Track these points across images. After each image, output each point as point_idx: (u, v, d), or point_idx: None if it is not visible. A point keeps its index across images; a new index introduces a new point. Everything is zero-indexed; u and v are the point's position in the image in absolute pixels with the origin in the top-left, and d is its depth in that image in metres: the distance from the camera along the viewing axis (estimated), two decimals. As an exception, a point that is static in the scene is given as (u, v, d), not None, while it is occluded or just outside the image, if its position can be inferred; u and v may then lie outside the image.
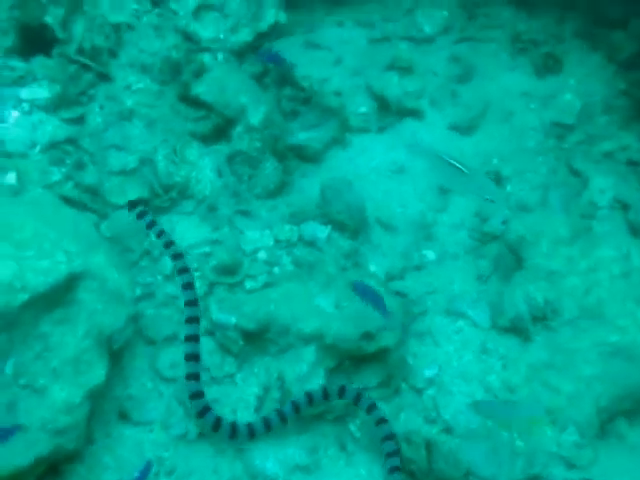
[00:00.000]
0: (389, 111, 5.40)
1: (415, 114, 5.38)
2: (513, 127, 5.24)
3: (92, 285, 2.89)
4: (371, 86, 5.80)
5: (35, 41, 4.43)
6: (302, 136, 4.71)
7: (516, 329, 3.72)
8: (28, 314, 2.70)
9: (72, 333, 2.74)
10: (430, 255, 4.11)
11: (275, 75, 4.85)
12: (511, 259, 3.85)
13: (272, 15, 4.83)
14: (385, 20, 6.96)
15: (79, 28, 4.36)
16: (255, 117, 4.25)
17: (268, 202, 4.18)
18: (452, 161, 3.24)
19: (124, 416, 3.23)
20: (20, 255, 2.74)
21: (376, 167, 4.75)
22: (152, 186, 3.88)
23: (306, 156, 4.74)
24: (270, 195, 4.23)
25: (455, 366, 3.57)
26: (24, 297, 2.68)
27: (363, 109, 5.55)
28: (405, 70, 5.89)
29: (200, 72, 4.29)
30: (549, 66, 5.76)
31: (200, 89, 4.25)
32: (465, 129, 5.29)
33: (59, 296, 2.80)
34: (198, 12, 4.96)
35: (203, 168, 4.10)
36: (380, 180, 4.60)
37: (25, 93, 4.07)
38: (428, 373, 3.55)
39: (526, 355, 3.54)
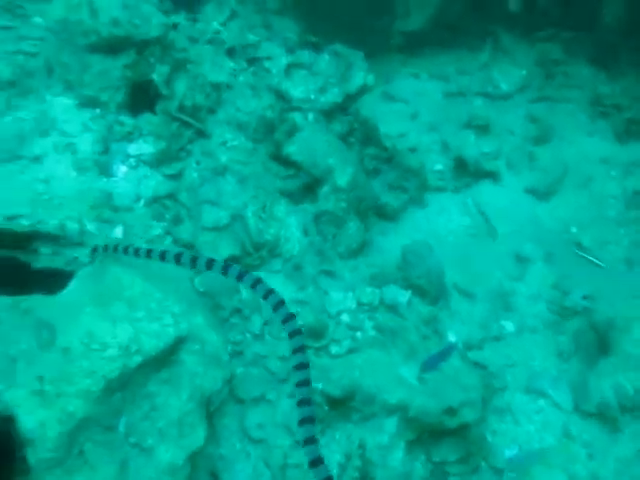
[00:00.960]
0: (466, 171, 5.46)
1: (491, 176, 5.42)
2: (592, 194, 5.23)
3: (193, 347, 3.05)
4: (447, 144, 5.88)
5: (141, 97, 4.69)
6: (383, 196, 4.82)
7: (602, 416, 3.68)
8: (139, 375, 2.86)
9: (176, 395, 2.90)
10: (509, 326, 4.13)
11: (360, 134, 4.99)
12: (594, 339, 3.83)
13: (361, 77, 4.98)
14: (460, 73, 7.03)
15: (181, 86, 4.59)
16: (342, 179, 4.39)
17: (350, 261, 4.29)
18: (590, 257, 3.27)
19: (215, 477, 3.36)
20: (133, 316, 2.92)
21: (453, 230, 4.81)
22: (243, 244, 4.03)
23: (385, 214, 4.85)
24: (352, 254, 4.34)
25: (536, 448, 3.56)
26: (138, 360, 2.85)
27: (439, 166, 5.63)
28: (482, 129, 5.94)
29: (292, 132, 4.46)
30: (632, 132, 5.72)
31: (291, 149, 4.41)
32: (542, 194, 5.31)
33: (165, 357, 2.97)
34: (289, 70, 5.15)
35: (290, 226, 4.24)
36: (458, 243, 4.66)
37: (133, 148, 4.30)
38: (508, 453, 3.57)
39: (615, 447, 3.49)
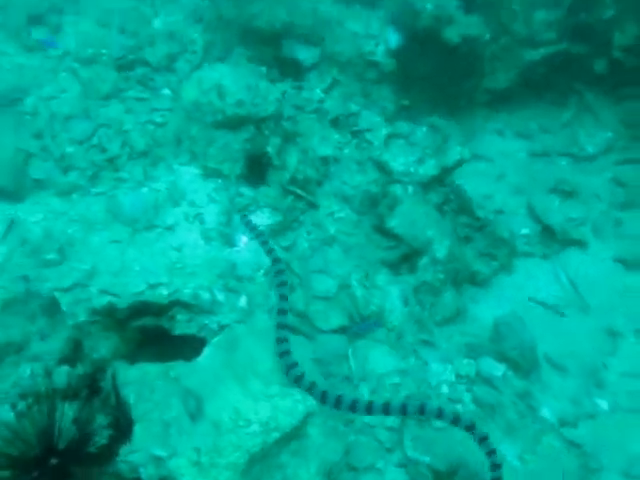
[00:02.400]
0: (553, 238, 5.60)
1: (578, 243, 5.54)
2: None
3: (317, 420, 3.38)
4: (533, 207, 6.02)
5: (256, 167, 5.11)
6: (474, 262, 5.06)
7: None
8: (274, 447, 3.23)
9: (305, 467, 3.24)
10: (603, 404, 4.22)
11: (454, 204, 5.26)
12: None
13: (457, 152, 5.25)
14: (544, 131, 7.10)
15: (293, 159, 4.98)
16: (440, 251, 4.67)
17: (446, 329, 4.54)
18: None
19: None
20: (268, 393, 3.28)
21: (543, 300, 4.97)
22: (351, 314, 4.36)
23: (476, 281, 5.08)
24: (447, 322, 4.60)
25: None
26: (276, 436, 3.22)
27: (525, 231, 5.78)
28: (568, 194, 6.06)
29: (393, 205, 4.77)
30: None
31: (393, 222, 4.72)
32: (632, 263, 5.37)
33: (295, 431, 3.32)
34: (388, 140, 5.48)
35: (391, 294, 4.55)
36: (547, 314, 4.81)
37: (253, 220, 4.71)
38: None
39: None
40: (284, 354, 2.97)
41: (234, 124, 4.87)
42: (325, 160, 4.90)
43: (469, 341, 4.36)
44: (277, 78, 6.03)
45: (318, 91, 5.90)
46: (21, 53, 6.41)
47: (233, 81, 4.85)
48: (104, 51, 6.25)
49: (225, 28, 6.30)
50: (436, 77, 6.39)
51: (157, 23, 6.76)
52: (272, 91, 5.12)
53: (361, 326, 3.91)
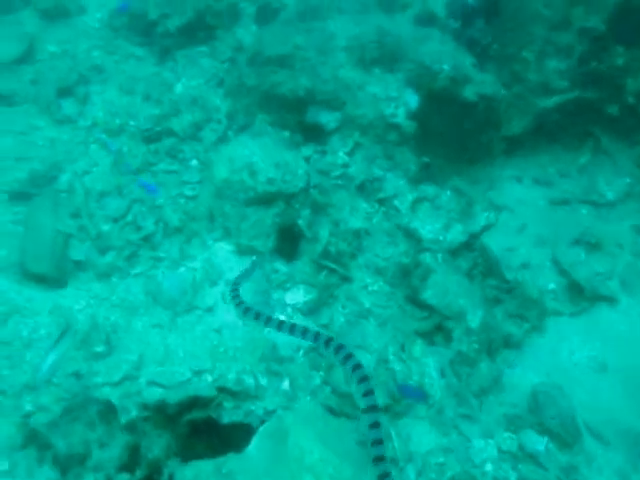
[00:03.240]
0: (581, 295, 5.59)
1: (608, 300, 5.52)
2: None
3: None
4: (559, 261, 6.01)
5: (287, 239, 5.16)
6: (505, 324, 5.06)
7: None
8: None
9: None
10: (649, 479, 4.18)
11: (482, 267, 5.27)
12: None
13: (484, 218, 5.29)
14: (562, 175, 7.09)
15: (324, 232, 5.03)
16: (474, 321, 4.68)
17: (483, 399, 4.53)
18: None
19: None
20: (321, 489, 3.30)
21: (577, 362, 4.95)
22: (391, 391, 4.38)
23: (509, 344, 5.07)
24: (484, 392, 4.60)
25: None
26: None
27: (552, 285, 5.76)
28: (592, 246, 6.05)
29: (425, 276, 4.79)
30: None
31: (427, 294, 4.75)
32: (664, 318, 5.35)
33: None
34: (415, 206, 5.51)
35: (427, 366, 4.56)
36: (584, 378, 4.78)
37: (289, 297, 4.76)
38: None
39: None
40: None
41: (265, 200, 4.92)
42: (357, 233, 4.94)
43: (508, 412, 4.35)
44: (300, 142, 6.11)
45: (341, 154, 5.96)
46: (52, 126, 6.57)
47: (262, 158, 4.92)
48: (132, 123, 6.33)
49: (247, 95, 6.40)
50: (454, 132, 6.44)
51: (179, 88, 6.90)
52: (300, 164, 5.18)
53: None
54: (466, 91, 6.10)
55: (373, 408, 2.97)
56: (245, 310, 3.35)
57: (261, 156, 4.92)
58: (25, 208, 5.54)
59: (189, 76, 7.17)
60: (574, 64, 6.50)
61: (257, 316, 3.31)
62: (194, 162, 5.93)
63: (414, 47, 6.22)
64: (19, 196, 5.60)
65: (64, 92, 6.75)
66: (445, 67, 6.00)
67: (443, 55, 6.20)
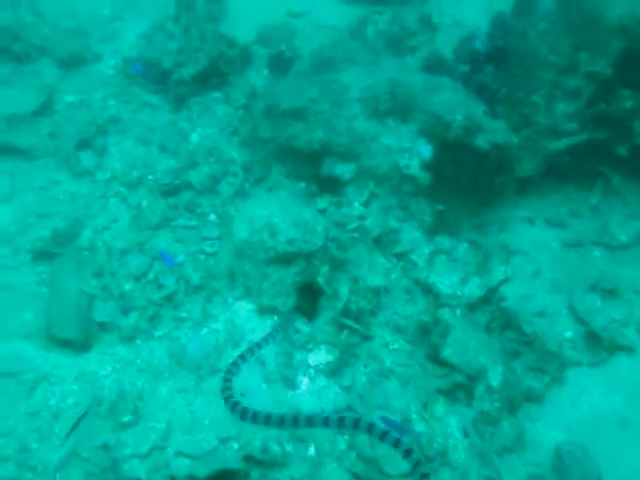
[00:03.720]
0: (599, 344, 5.59)
1: (626, 349, 5.52)
2: None
3: None
4: (575, 309, 6.01)
5: (307, 297, 5.20)
6: (524, 378, 5.06)
7: None
8: None
9: None
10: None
11: (500, 321, 5.29)
12: None
13: (501, 272, 5.33)
14: (573, 215, 7.12)
15: (344, 290, 5.07)
16: (495, 379, 4.69)
17: (506, 458, 4.53)
18: None
19: None
20: None
21: (598, 416, 4.94)
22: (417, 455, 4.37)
23: (530, 397, 5.07)
24: (507, 450, 4.59)
25: None
26: None
27: (569, 334, 5.76)
28: (608, 293, 6.05)
29: (445, 333, 4.82)
30: None
31: (447, 352, 4.77)
32: (684, 369, 5.33)
33: None
34: (432, 259, 5.55)
35: (450, 426, 4.56)
36: (607, 434, 4.78)
37: (312, 359, 4.78)
38: None
39: None
40: None
41: (285, 260, 4.97)
42: (376, 291, 4.97)
43: (532, 471, 4.34)
44: (316, 193, 6.17)
45: (357, 205, 6.01)
46: (72, 180, 6.67)
47: (282, 218, 4.98)
48: (150, 177, 6.41)
49: (263, 147, 6.48)
50: (467, 178, 6.50)
51: (194, 137, 7.00)
52: (318, 221, 5.25)
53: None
54: (478, 140, 6.17)
55: None
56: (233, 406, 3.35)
57: (281, 216, 4.98)
58: (48, 267, 5.60)
59: (204, 125, 7.28)
60: (582, 107, 6.58)
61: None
62: (212, 217, 6.00)
63: (426, 97, 6.29)
64: (42, 255, 5.66)
65: (83, 144, 6.84)
66: (458, 117, 6.08)
67: (455, 104, 6.28)
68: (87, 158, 6.83)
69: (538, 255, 6.56)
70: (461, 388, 4.68)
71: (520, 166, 6.98)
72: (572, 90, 6.63)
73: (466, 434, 4.47)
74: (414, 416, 4.51)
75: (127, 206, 6.26)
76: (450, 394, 4.68)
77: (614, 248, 6.54)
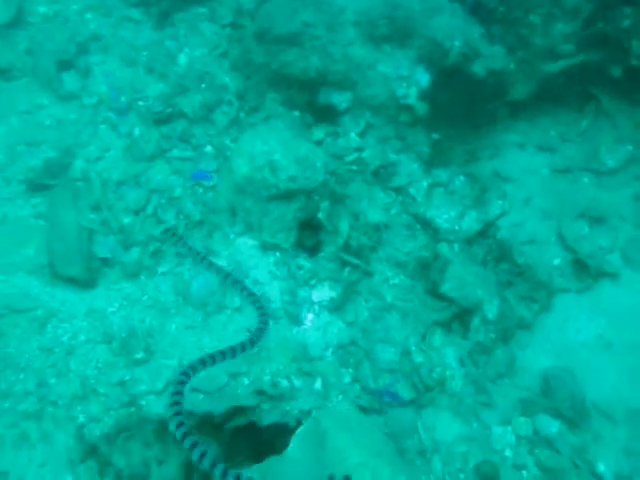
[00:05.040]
0: (585, 271, 5.80)
1: (610, 275, 5.74)
2: None
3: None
4: (564, 237, 6.18)
5: (308, 231, 5.26)
6: (516, 307, 5.30)
7: None
8: None
9: None
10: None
11: (495, 253, 5.44)
12: None
13: (498, 207, 5.40)
14: (563, 140, 7.14)
15: (344, 225, 5.11)
16: (491, 311, 4.89)
17: (499, 383, 4.82)
18: None
19: None
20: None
21: (584, 341, 5.22)
22: (416, 385, 4.63)
23: (521, 326, 5.33)
24: (499, 377, 4.88)
25: None
26: None
27: (557, 261, 5.96)
28: (596, 220, 6.21)
29: (443, 268, 4.96)
30: None
31: (446, 287, 4.92)
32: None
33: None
34: (430, 193, 5.60)
35: (447, 356, 4.81)
36: (591, 357, 5.06)
37: (315, 295, 4.90)
38: None
39: None
40: None
41: (287, 196, 4.96)
42: (377, 227, 5.03)
43: (522, 396, 4.62)
44: (312, 123, 6.07)
45: (353, 135, 5.94)
46: (56, 104, 6.40)
47: (283, 154, 4.91)
48: (141, 103, 6.20)
49: (256, 72, 6.27)
50: (461, 104, 6.43)
51: (183, 58, 6.71)
52: (318, 155, 5.18)
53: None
54: (475, 66, 6.04)
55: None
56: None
57: (281, 152, 4.90)
58: (43, 199, 5.50)
59: (192, 45, 6.95)
60: (580, 26, 6.40)
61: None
62: (208, 148, 5.87)
63: (424, 21, 6.06)
64: (36, 187, 5.54)
65: (64, 65, 6.51)
66: (456, 43, 5.92)
67: (453, 29, 6.07)
68: (70, 80, 6.50)
69: (528, 181, 6.58)
70: (458, 320, 4.84)
71: (514, 89, 6.86)
72: (571, 8, 6.40)
73: (462, 363, 4.68)
74: (413, 348, 4.69)
75: (118, 134, 6.05)
76: (447, 326, 4.84)
77: (602, 174, 6.57)
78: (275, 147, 4.98)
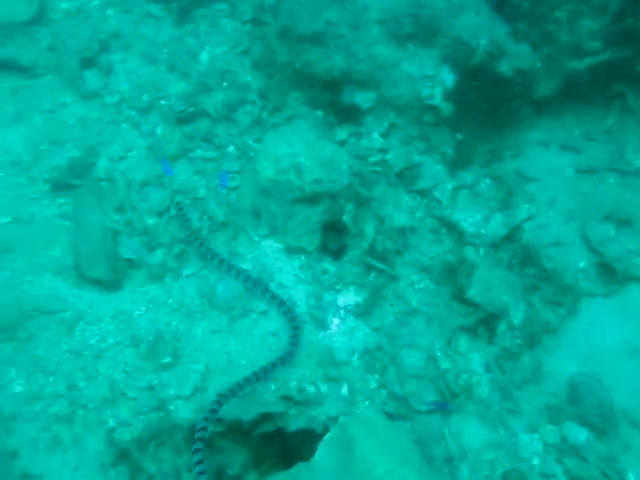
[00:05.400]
0: (612, 274, 5.73)
1: (637, 279, 5.67)
2: None
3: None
4: (589, 239, 6.10)
5: (332, 234, 5.23)
6: (542, 312, 5.25)
7: None
8: None
9: None
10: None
11: (520, 257, 5.39)
12: None
13: (525, 211, 5.34)
14: (588, 139, 7.03)
15: (369, 229, 5.08)
16: (517, 317, 4.84)
17: (525, 389, 4.79)
18: None
19: None
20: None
21: (611, 346, 5.16)
22: (441, 390, 4.61)
23: (547, 330, 5.28)
24: (525, 383, 4.85)
25: None
26: None
27: (582, 264, 5.88)
28: (622, 222, 6.12)
29: (470, 273, 4.91)
30: None
31: (472, 292, 4.88)
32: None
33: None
34: (454, 195, 5.54)
35: (473, 362, 4.78)
36: (619, 363, 5.00)
37: (341, 300, 4.88)
38: None
39: None
40: None
41: (312, 199, 4.94)
42: (402, 230, 5.00)
43: (549, 402, 4.58)
44: (334, 123, 6.03)
45: (376, 135, 5.89)
46: (79, 102, 6.40)
47: (308, 157, 4.88)
48: (163, 102, 6.18)
49: (277, 71, 6.23)
50: (486, 104, 6.36)
51: (204, 56, 6.68)
52: (342, 157, 5.15)
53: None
54: (502, 65, 5.95)
55: None
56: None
57: (306, 154, 4.88)
58: (68, 200, 5.52)
59: (213, 43, 6.91)
60: (607, 22, 6.28)
61: None
62: (231, 148, 5.85)
63: (449, 20, 5.98)
64: (61, 187, 5.56)
65: (87, 62, 6.50)
66: (482, 42, 5.83)
67: (479, 28, 5.98)
68: (92, 78, 6.49)
69: (552, 182, 6.50)
70: (483, 325, 4.81)
71: (538, 86, 6.75)
72: (598, 4, 6.27)
73: (488, 369, 4.65)
74: (439, 353, 4.67)
75: (140, 133, 6.04)
76: (472, 331, 4.81)
77: (628, 174, 6.48)
78: (300, 149, 4.96)
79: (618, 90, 6.95)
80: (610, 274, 5.55)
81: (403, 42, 5.94)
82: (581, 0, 6.45)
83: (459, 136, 6.10)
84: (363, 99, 5.91)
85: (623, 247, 5.77)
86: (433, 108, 5.80)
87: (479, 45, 5.84)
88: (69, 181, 5.56)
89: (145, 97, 6.36)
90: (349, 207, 5.02)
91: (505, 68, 5.96)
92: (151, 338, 4.53)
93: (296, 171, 4.87)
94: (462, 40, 5.85)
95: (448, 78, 5.87)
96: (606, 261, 5.63)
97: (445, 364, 4.63)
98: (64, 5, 7.13)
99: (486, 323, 4.83)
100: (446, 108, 5.74)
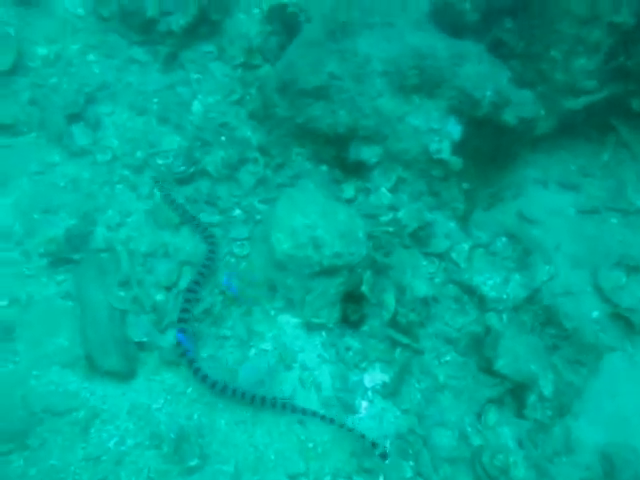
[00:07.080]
0: (628, 325, 5.66)
1: (655, 331, 5.60)
2: None
3: None
4: (601, 288, 6.02)
5: (351, 305, 5.02)
6: (565, 372, 5.13)
7: None
8: None
9: None
10: None
11: (542, 318, 5.26)
12: None
13: (545, 273, 5.22)
14: (585, 175, 7.00)
15: (390, 299, 4.89)
16: (547, 388, 4.72)
17: (556, 461, 4.66)
18: None
19: None
20: None
21: (637, 408, 5.07)
22: (478, 474, 4.45)
23: (574, 395, 5.16)
24: (557, 454, 4.73)
25: None
26: None
27: (596, 314, 5.81)
28: (633, 269, 6.07)
29: (495, 343, 4.76)
30: None
31: (500, 363, 4.73)
32: None
33: None
34: (471, 254, 5.39)
35: (503, 435, 4.63)
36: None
37: (367, 380, 4.67)
38: None
39: None
40: None
41: (330, 272, 4.73)
42: (425, 301, 4.82)
43: (584, 476, 4.46)
44: (341, 179, 5.83)
45: (384, 190, 5.72)
46: (68, 160, 6.05)
47: (326, 230, 4.66)
48: (160, 162, 5.88)
49: (278, 125, 5.98)
50: (489, 150, 6.25)
51: (197, 106, 6.39)
52: (357, 224, 4.95)
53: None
54: (506, 115, 5.83)
55: None
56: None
57: (324, 226, 4.65)
58: (68, 275, 5.18)
59: (205, 91, 6.62)
60: (602, 60, 6.24)
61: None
62: (237, 212, 5.58)
63: (453, 70, 5.82)
64: (59, 262, 5.21)
65: (73, 117, 6.14)
66: (488, 93, 5.69)
67: (482, 78, 5.84)
68: (80, 133, 6.12)
69: (555, 224, 6.41)
70: (510, 394, 4.66)
71: (536, 126, 6.69)
72: (593, 44, 6.22)
73: (521, 445, 4.51)
74: (469, 429, 4.50)
75: (138, 195, 5.72)
76: (499, 401, 4.66)
77: (630, 213, 6.44)
78: (316, 220, 4.75)
79: (612, 124, 6.91)
80: (627, 326, 5.47)
81: (408, 94, 5.75)
82: (577, 40, 6.37)
83: (465, 185, 5.94)
84: (370, 154, 5.73)
85: (635, 296, 5.70)
86: (442, 162, 5.61)
87: (485, 97, 5.71)
88: (67, 255, 5.19)
89: (139, 154, 6.04)
90: (367, 276, 4.82)
91: (510, 117, 5.85)
92: (173, 436, 4.24)
93: (314, 245, 4.65)
94: (467, 91, 5.71)
95: (455, 130, 5.72)
96: (620, 312, 5.53)
97: (477, 440, 4.47)
98: (42, 51, 6.72)
99: (513, 393, 4.67)
100: (456, 162, 5.60)
